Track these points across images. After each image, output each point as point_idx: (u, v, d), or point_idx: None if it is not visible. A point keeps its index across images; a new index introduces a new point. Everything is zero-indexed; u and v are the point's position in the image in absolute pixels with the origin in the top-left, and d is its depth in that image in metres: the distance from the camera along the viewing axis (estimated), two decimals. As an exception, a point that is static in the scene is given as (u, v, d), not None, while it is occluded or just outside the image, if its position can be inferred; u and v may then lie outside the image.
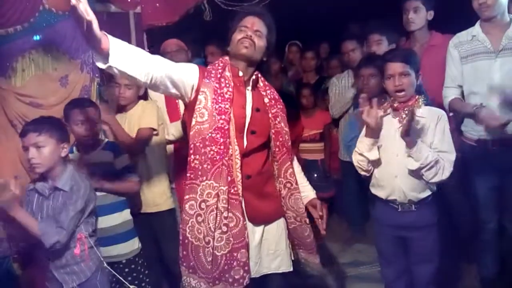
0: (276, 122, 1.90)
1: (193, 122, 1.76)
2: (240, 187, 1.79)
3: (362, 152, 2.11)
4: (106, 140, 2.33)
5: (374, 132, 2.06)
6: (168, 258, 2.64)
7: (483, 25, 2.36)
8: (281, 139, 1.91)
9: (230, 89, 1.79)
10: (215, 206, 1.74)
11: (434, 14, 2.78)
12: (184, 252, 1.82)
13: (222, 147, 1.74)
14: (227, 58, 1.88)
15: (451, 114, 2.44)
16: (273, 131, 1.91)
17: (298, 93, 3.63)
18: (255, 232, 1.87)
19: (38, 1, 2.51)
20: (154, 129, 2.53)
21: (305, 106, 3.54)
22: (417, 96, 2.09)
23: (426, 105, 2.09)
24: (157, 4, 3.09)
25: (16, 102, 2.53)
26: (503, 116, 2.19)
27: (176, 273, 2.66)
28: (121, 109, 2.59)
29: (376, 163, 2.13)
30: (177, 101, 2.55)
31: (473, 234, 2.55)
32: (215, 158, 1.74)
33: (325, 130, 3.59)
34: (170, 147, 2.70)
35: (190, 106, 1.80)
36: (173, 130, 2.63)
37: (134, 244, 2.34)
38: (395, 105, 2.11)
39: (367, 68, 2.57)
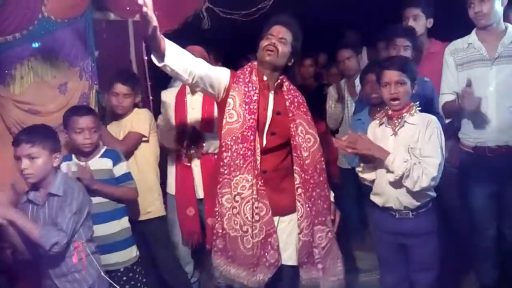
0: (294, 125, 2.06)
1: (224, 122, 1.99)
2: (263, 180, 1.98)
3: (360, 175, 2.19)
4: (105, 147, 2.33)
5: (367, 157, 2.10)
6: (161, 265, 2.64)
7: (479, 33, 2.38)
8: (297, 141, 2.05)
9: (257, 92, 2.00)
10: (250, 197, 1.94)
11: (434, 22, 2.79)
12: (221, 245, 1.99)
13: (252, 144, 1.95)
14: (255, 63, 2.08)
15: (447, 120, 2.44)
16: (292, 133, 2.05)
17: None
18: None
19: (37, 9, 2.51)
20: (144, 136, 2.57)
21: None
22: (411, 104, 2.10)
23: (421, 111, 2.10)
24: (156, 12, 3.09)
25: (15, 109, 2.53)
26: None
27: (169, 280, 2.67)
28: (117, 117, 2.62)
29: (379, 176, 2.16)
30: (186, 114, 2.68)
31: (472, 241, 2.54)
32: (246, 154, 1.94)
33: (321, 138, 3.58)
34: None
35: (221, 105, 2.04)
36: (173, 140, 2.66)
37: (132, 252, 2.33)
38: (390, 112, 2.12)
39: (371, 75, 2.56)
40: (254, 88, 2.01)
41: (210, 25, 3.07)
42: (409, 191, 2.07)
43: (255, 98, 1.99)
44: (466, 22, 2.41)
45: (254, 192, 1.94)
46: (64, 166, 2.18)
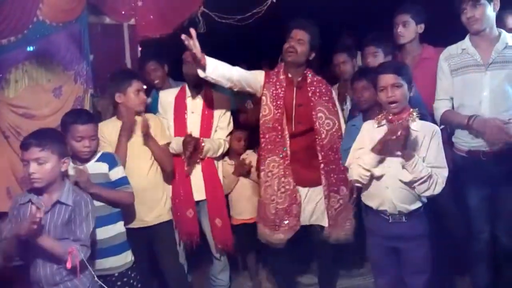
0: (314, 113, 2.55)
1: (260, 115, 2.56)
2: (289, 160, 2.51)
3: (369, 168, 2.11)
4: (101, 151, 2.32)
5: (386, 150, 2.06)
6: (165, 270, 2.62)
7: (473, 38, 2.41)
8: (317, 126, 2.56)
9: (283, 89, 2.53)
10: (277, 174, 2.51)
11: (428, 28, 2.83)
12: (258, 209, 2.61)
13: (280, 132, 2.51)
14: (283, 63, 2.59)
15: (441, 126, 2.46)
16: (314, 119, 2.54)
17: None
18: (301, 192, 2.57)
19: (32, 13, 2.50)
20: (169, 142, 2.64)
21: None
22: (411, 109, 2.11)
23: (420, 119, 2.11)
24: (151, 16, 3.11)
25: (9, 113, 2.51)
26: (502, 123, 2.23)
27: (171, 286, 2.66)
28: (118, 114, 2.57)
29: (377, 178, 2.14)
30: (186, 117, 2.76)
31: (466, 245, 2.56)
32: (275, 141, 2.51)
33: None
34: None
35: (259, 101, 2.59)
36: (174, 145, 2.68)
37: (127, 257, 2.32)
38: (390, 117, 2.12)
39: (360, 80, 2.60)
40: (281, 86, 2.52)
41: (205, 29, 3.07)
42: (406, 196, 2.09)
43: (281, 95, 2.51)
44: (461, 28, 2.43)
45: (281, 170, 2.50)
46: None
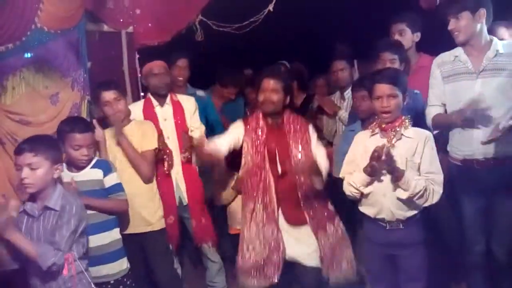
0: (291, 150, 2.45)
1: (243, 162, 2.49)
2: (275, 204, 2.41)
3: (358, 187, 2.13)
4: (96, 158, 2.32)
5: (376, 172, 2.07)
6: (159, 279, 2.62)
7: (465, 46, 2.42)
8: (294, 164, 2.43)
9: (264, 135, 2.46)
10: (260, 221, 2.41)
11: (425, 36, 2.83)
12: (239, 249, 2.48)
13: (260, 178, 2.42)
14: (259, 112, 2.51)
15: (435, 132, 2.46)
16: (290, 158, 2.44)
17: None
18: (291, 232, 2.45)
19: (30, 20, 2.51)
20: (155, 148, 2.60)
21: None
22: (403, 117, 2.12)
23: (412, 126, 2.12)
24: (149, 24, 3.13)
25: (6, 120, 2.51)
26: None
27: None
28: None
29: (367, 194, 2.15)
30: (160, 126, 2.77)
31: (462, 253, 2.55)
32: (258, 186, 2.42)
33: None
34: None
35: (241, 149, 2.49)
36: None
37: (122, 264, 2.31)
38: (383, 125, 2.14)
39: (359, 90, 2.60)
40: (262, 131, 2.47)
41: (203, 37, 3.09)
42: (404, 204, 2.09)
43: (262, 139, 2.45)
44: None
45: (264, 218, 2.41)
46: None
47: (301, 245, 2.45)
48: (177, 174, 2.76)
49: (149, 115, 2.77)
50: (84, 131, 2.20)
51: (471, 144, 2.34)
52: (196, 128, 2.87)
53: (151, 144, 2.57)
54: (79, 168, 2.25)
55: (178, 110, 2.82)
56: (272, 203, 2.41)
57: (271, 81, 2.45)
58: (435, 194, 2.06)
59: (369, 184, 2.13)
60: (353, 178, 2.15)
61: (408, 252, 2.14)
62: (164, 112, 2.80)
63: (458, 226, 2.55)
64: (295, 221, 2.45)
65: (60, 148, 2.01)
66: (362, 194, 2.16)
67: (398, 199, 2.08)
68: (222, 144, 2.43)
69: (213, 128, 3.15)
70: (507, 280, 2.48)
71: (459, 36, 2.37)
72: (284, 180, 2.45)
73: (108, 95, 2.50)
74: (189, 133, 2.83)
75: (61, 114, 2.61)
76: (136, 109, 2.79)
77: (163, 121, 2.77)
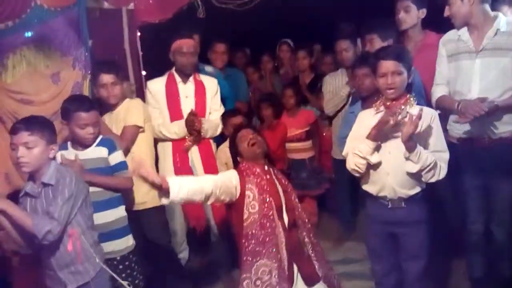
0: (294, 196, 2.26)
1: (247, 214, 2.10)
2: (285, 261, 2.09)
3: (365, 156, 2.10)
4: (101, 136, 2.32)
5: (381, 136, 2.06)
6: (158, 249, 2.67)
7: (468, 25, 2.38)
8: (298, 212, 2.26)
9: (266, 182, 2.16)
10: (269, 282, 2.04)
11: (432, 14, 2.79)
12: None
13: (270, 230, 2.08)
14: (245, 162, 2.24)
15: (438, 112, 2.45)
16: (295, 204, 2.24)
17: (281, 93, 3.67)
18: None
19: (30, -3, 2.48)
20: (140, 127, 2.57)
21: (286, 106, 3.56)
22: (408, 95, 2.11)
23: (417, 104, 2.10)
24: (150, 1, 3.08)
25: (7, 99, 2.51)
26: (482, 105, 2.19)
27: (163, 267, 2.70)
28: (109, 108, 2.61)
29: (376, 165, 2.13)
30: (180, 102, 2.79)
31: (463, 231, 2.57)
32: (266, 240, 2.07)
33: (312, 128, 3.62)
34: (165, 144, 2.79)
35: (238, 203, 2.13)
36: (176, 129, 2.73)
37: (128, 241, 2.34)
38: (388, 103, 2.12)
39: (362, 68, 2.58)
40: (262, 178, 2.17)
41: (205, 14, 3.05)
42: (406, 182, 2.09)
43: (265, 187, 2.14)
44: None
45: (276, 276, 2.05)
46: (58, 157, 2.17)
47: None
48: (192, 151, 2.79)
49: (171, 90, 2.80)
50: (90, 110, 2.20)
51: (469, 123, 2.32)
52: (215, 110, 2.89)
53: (133, 119, 2.56)
54: (85, 146, 2.26)
55: (200, 90, 2.83)
56: (284, 261, 2.10)
57: (249, 130, 2.31)
58: (442, 170, 2.06)
59: (373, 152, 2.09)
60: (358, 148, 2.12)
61: (409, 231, 2.15)
62: (186, 90, 2.82)
63: (459, 206, 2.57)
64: (307, 278, 2.17)
65: (55, 129, 2.00)
66: (368, 165, 2.12)
67: (408, 174, 2.06)
68: (207, 178, 2.12)
69: (224, 102, 3.10)
70: (506, 260, 2.50)
71: (455, 22, 2.39)
72: (292, 232, 2.18)
73: (107, 78, 2.52)
74: (207, 114, 2.85)
75: (62, 93, 2.60)
76: (159, 83, 2.82)
77: (184, 98, 2.80)
